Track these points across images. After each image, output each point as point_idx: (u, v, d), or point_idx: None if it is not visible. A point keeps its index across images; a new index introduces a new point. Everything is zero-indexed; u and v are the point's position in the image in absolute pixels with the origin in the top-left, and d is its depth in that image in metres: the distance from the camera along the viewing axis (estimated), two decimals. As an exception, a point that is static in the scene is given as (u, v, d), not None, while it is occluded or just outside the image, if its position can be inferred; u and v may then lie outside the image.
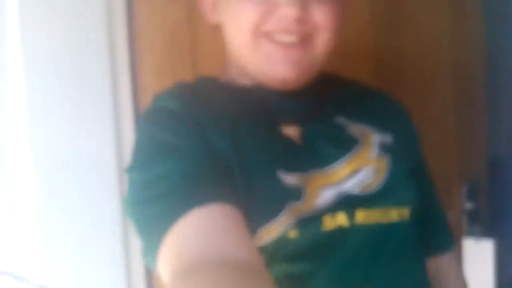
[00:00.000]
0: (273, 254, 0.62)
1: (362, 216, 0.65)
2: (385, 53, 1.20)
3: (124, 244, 0.90)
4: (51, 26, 0.80)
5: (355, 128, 0.73)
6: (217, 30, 0.76)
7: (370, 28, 1.17)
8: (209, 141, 0.65)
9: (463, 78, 1.43)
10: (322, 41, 0.69)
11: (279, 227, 0.61)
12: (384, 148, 0.71)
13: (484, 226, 1.44)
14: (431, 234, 0.81)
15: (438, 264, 0.82)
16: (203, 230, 0.53)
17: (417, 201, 0.71)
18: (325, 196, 0.65)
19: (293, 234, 0.62)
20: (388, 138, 0.74)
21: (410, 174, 0.72)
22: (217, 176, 0.61)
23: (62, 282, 0.83)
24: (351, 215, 0.64)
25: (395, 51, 1.23)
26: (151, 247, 0.58)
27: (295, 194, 0.64)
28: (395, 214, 0.67)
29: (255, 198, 0.62)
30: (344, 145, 0.70)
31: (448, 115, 1.41)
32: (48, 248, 0.82)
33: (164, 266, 0.55)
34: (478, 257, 1.40)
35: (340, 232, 0.64)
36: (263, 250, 0.61)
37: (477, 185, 1.48)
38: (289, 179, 0.65)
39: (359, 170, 0.68)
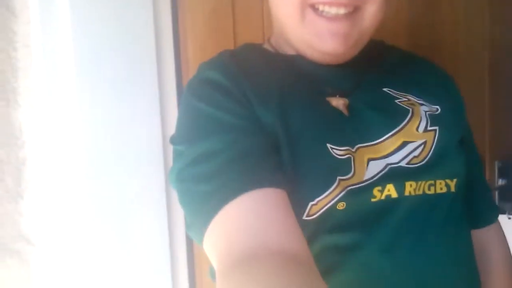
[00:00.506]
0: (322, 225, 0.61)
1: (411, 187, 0.64)
2: (421, 29, 1.20)
3: (167, 214, 0.93)
4: (99, 11, 0.82)
5: (402, 99, 0.71)
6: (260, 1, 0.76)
7: (406, 3, 1.17)
8: (257, 115, 0.63)
9: (498, 55, 1.42)
10: (370, 13, 0.67)
11: (329, 200, 0.61)
12: (432, 119, 0.70)
13: (516, 203, 1.44)
14: (477, 206, 0.80)
15: (483, 235, 0.81)
16: (252, 218, 0.53)
17: (464, 173, 0.70)
18: (373, 169, 0.64)
19: (342, 206, 0.61)
20: (435, 109, 0.72)
21: (458, 144, 0.71)
22: (266, 154, 0.60)
23: (106, 253, 0.86)
24: (400, 186, 0.64)
25: (430, 26, 1.23)
26: (197, 224, 0.58)
27: (345, 166, 0.63)
28: (443, 185, 0.66)
29: (305, 171, 0.61)
30: (392, 116, 0.68)
31: (483, 92, 1.40)
32: (93, 219, 0.85)
33: (212, 250, 0.55)
34: (509, 233, 1.40)
35: (389, 202, 0.63)
36: (312, 221, 0.61)
37: (509, 163, 1.47)
38: (339, 151, 0.63)
39: (406, 144, 0.67)
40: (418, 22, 1.18)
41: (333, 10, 0.65)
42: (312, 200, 0.60)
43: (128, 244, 0.89)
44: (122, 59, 0.84)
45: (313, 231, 0.61)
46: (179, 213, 0.95)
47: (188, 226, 0.62)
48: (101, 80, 0.82)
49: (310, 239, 0.60)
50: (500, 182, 1.44)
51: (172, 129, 0.78)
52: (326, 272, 0.60)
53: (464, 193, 0.71)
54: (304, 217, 0.60)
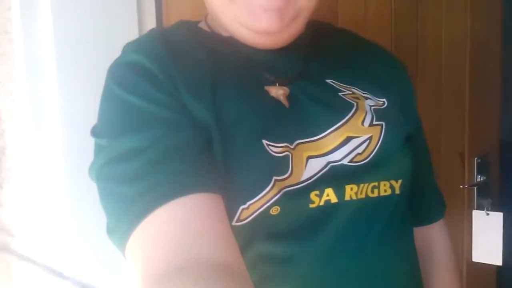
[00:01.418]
0: (254, 232, 0.55)
1: (351, 191, 0.59)
2: (404, 22, 1.21)
3: None
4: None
5: (346, 92, 0.65)
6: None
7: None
8: (187, 107, 0.55)
9: (479, 53, 1.44)
10: None
11: (262, 203, 0.54)
12: (378, 114, 0.64)
13: (494, 199, 1.46)
14: (423, 203, 0.77)
15: (427, 232, 0.79)
16: (180, 228, 0.46)
17: (411, 172, 0.65)
18: (312, 168, 0.58)
19: (276, 210, 0.54)
20: (382, 102, 0.66)
21: (405, 141, 0.66)
22: (198, 151, 0.53)
23: (86, 243, 0.85)
24: (340, 190, 0.58)
25: (413, 20, 1.24)
26: (118, 229, 0.51)
27: (282, 165, 0.56)
28: (387, 187, 0.61)
29: (237, 170, 0.54)
30: (335, 110, 0.62)
31: (464, 88, 1.42)
32: (73, 210, 0.84)
33: (134, 262, 0.49)
34: (487, 228, 1.43)
35: (328, 208, 0.57)
36: (243, 227, 0.54)
37: (488, 159, 1.49)
38: (276, 148, 0.56)
39: (350, 139, 0.61)
40: (401, 16, 1.20)
41: None
42: (244, 204, 0.53)
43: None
44: (104, 47, 0.83)
45: (244, 239, 0.54)
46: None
47: (109, 230, 0.54)
48: (82, 68, 0.81)
49: (242, 248, 0.51)
50: (479, 178, 1.46)
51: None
52: (260, 284, 0.56)
53: (409, 191, 0.66)
54: (234, 223, 0.53)
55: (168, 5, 0.91)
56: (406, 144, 0.66)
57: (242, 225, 0.53)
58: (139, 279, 0.46)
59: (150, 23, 0.90)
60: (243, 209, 0.53)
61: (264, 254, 0.56)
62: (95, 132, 0.59)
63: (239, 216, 0.53)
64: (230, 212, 0.52)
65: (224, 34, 0.65)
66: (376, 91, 0.67)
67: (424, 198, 0.77)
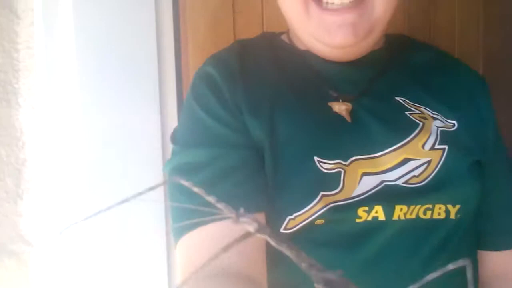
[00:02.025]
0: (300, 239, 0.58)
1: (401, 211, 0.59)
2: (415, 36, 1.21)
3: (165, 216, 0.94)
4: (101, 12, 0.82)
5: (415, 111, 0.65)
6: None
7: (401, 11, 1.18)
8: (246, 125, 0.60)
9: (492, 64, 1.43)
10: (380, 1, 0.61)
11: (308, 215, 0.57)
12: (444, 137, 0.63)
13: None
14: (498, 228, 0.72)
15: (502, 259, 0.73)
16: (216, 243, 0.53)
17: (475, 199, 0.63)
18: (366, 184, 0.59)
19: (320, 222, 0.58)
20: (452, 124, 0.65)
21: (473, 167, 0.64)
22: (250, 172, 0.58)
23: (104, 255, 0.86)
24: (389, 209, 0.59)
25: (425, 35, 1.24)
26: (175, 229, 0.59)
27: (332, 181, 0.59)
28: (442, 211, 0.61)
29: (287, 185, 0.59)
30: (398, 129, 0.62)
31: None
32: (91, 221, 0.85)
33: (180, 258, 0.58)
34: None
35: (375, 224, 0.58)
36: (290, 234, 0.58)
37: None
38: (327, 165, 0.59)
39: (407, 161, 0.61)
40: (413, 29, 1.20)
41: (337, 1, 0.60)
42: (290, 215, 0.57)
43: (127, 246, 0.89)
44: (124, 62, 0.85)
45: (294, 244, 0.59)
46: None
47: (171, 226, 0.63)
48: (103, 82, 0.83)
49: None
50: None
51: (170, 130, 0.79)
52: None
53: (472, 217, 0.65)
54: (282, 230, 0.58)
55: (186, 6, 0.93)
56: (474, 170, 0.63)
57: (289, 233, 0.57)
58: (180, 273, 0.57)
59: (168, 43, 0.91)
60: (290, 219, 0.57)
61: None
62: (173, 137, 0.67)
63: (286, 225, 0.57)
64: (279, 220, 0.57)
65: (301, 47, 0.69)
66: (447, 113, 0.66)
67: (499, 223, 0.72)
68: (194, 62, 0.93)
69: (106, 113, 0.84)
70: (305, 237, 0.58)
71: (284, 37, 0.73)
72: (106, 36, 0.83)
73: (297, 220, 0.57)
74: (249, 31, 0.94)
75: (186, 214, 0.59)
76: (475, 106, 0.69)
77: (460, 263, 0.33)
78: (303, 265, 0.28)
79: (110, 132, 0.86)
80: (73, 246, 0.87)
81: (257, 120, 0.61)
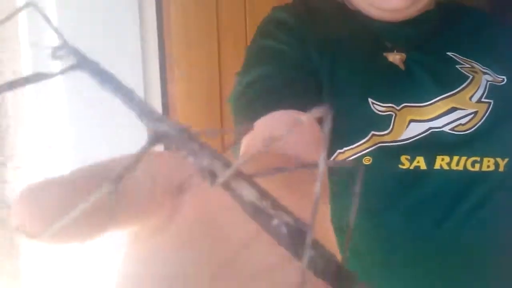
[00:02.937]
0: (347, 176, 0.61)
1: (443, 162, 0.61)
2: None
3: None
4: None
5: (466, 65, 0.68)
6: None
7: None
8: (309, 54, 0.64)
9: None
10: None
11: (357, 151, 0.61)
12: (491, 91, 0.65)
13: None
14: None
15: None
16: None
17: None
18: (413, 130, 0.62)
19: (368, 160, 0.61)
20: (501, 79, 0.67)
21: None
22: (307, 87, 0.60)
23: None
24: (431, 160, 0.61)
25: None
26: (232, 110, 0.63)
27: (383, 122, 0.62)
28: (491, 163, 0.62)
29: (341, 120, 0.60)
30: (447, 81, 0.65)
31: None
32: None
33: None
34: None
35: (417, 173, 0.61)
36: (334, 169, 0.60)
37: None
38: (380, 107, 0.63)
39: (455, 110, 0.64)
40: None
41: None
42: (340, 148, 0.61)
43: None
44: (108, 39, 0.86)
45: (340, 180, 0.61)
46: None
47: (229, 100, 0.66)
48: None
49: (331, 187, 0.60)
50: None
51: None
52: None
53: None
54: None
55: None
56: None
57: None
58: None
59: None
60: (340, 152, 0.61)
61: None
62: (236, 73, 0.67)
63: (335, 158, 0.61)
64: (328, 152, 0.54)
65: (352, 8, 0.73)
66: (499, 67, 0.68)
67: None
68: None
69: (90, 81, 0.84)
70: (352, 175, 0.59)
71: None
72: (88, 16, 0.84)
73: (346, 154, 0.61)
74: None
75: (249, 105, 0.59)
76: None
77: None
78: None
79: (95, 98, 0.86)
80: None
81: (320, 55, 0.64)
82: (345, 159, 0.60)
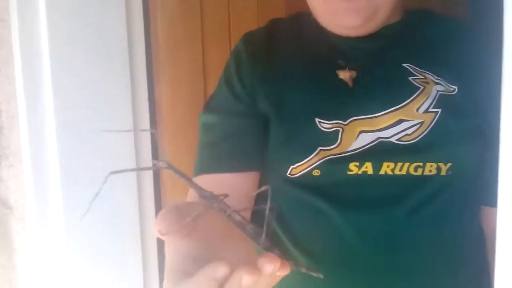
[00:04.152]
0: (302, 185, 0.69)
1: (388, 168, 0.66)
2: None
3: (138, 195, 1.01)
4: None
5: (419, 76, 0.70)
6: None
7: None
8: (254, 97, 0.72)
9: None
10: None
11: (307, 166, 0.67)
12: (440, 101, 0.68)
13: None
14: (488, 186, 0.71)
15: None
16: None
17: (468, 159, 0.67)
18: (364, 139, 0.67)
19: (317, 172, 0.67)
20: (452, 89, 0.70)
21: (469, 130, 0.68)
22: (246, 136, 0.72)
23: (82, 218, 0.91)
24: (377, 166, 0.66)
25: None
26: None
27: (330, 138, 0.67)
28: (433, 168, 0.66)
29: (290, 140, 0.69)
30: (397, 94, 0.69)
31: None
32: (69, 186, 0.91)
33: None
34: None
35: (365, 177, 0.66)
36: (295, 179, 0.68)
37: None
38: (327, 125, 0.68)
39: (401, 121, 0.68)
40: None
41: None
42: (293, 164, 0.68)
43: (102, 215, 0.95)
44: (96, 34, 0.89)
45: (296, 188, 0.69)
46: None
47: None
48: (75, 53, 0.87)
49: (294, 194, 0.70)
50: None
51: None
52: (298, 224, 0.71)
53: (472, 176, 0.69)
54: (288, 175, 0.69)
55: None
56: (470, 132, 0.67)
57: (293, 178, 0.68)
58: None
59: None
60: (292, 168, 0.68)
61: (307, 203, 0.69)
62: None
63: (290, 172, 0.68)
64: (285, 168, 0.69)
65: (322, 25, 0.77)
66: (452, 78, 0.70)
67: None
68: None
69: (80, 80, 0.89)
70: (306, 185, 0.68)
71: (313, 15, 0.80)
72: (77, 10, 0.87)
73: (298, 169, 0.68)
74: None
75: (197, 161, 0.75)
76: (486, 73, 0.68)
77: (263, 188, 0.46)
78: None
79: (82, 98, 0.90)
80: (51, 210, 0.91)
81: (268, 90, 0.72)
82: (297, 173, 0.68)
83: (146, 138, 1.04)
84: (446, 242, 0.69)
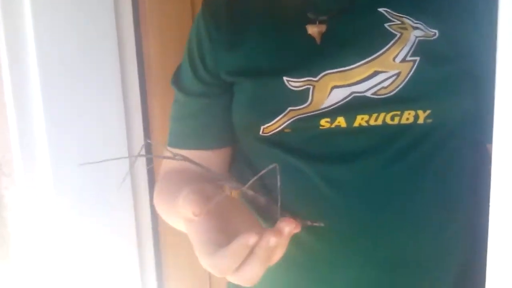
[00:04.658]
0: (275, 143, 0.68)
1: (362, 120, 0.64)
2: None
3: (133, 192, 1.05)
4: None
5: (396, 22, 0.66)
6: None
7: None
8: (220, 66, 0.71)
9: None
10: None
11: (277, 126, 0.67)
12: (418, 48, 0.64)
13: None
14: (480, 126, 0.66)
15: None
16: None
17: (450, 105, 0.64)
18: (337, 95, 0.65)
19: (288, 130, 0.67)
20: (432, 33, 0.65)
21: (452, 76, 0.65)
22: (214, 116, 0.74)
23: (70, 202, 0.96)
24: (350, 119, 0.64)
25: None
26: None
27: (300, 97, 0.65)
28: (410, 116, 0.63)
29: (260, 101, 0.69)
30: (371, 43, 0.65)
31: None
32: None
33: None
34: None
35: (337, 131, 0.65)
36: (268, 138, 0.68)
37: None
38: (296, 84, 0.66)
39: (377, 74, 0.64)
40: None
41: None
42: (263, 124, 0.68)
43: (91, 169, 0.97)
44: (82, 33, 0.95)
45: (269, 147, 0.69)
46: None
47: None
48: (62, 52, 0.94)
49: (268, 152, 0.70)
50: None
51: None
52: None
53: (455, 123, 0.66)
54: (261, 134, 0.69)
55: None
56: (451, 79, 0.64)
57: (266, 136, 0.69)
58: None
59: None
60: (263, 128, 0.68)
61: (282, 160, 0.67)
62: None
63: (263, 131, 0.68)
64: (256, 127, 0.69)
65: None
66: (431, 21, 0.66)
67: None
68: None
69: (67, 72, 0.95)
70: (279, 142, 0.68)
71: None
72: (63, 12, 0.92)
73: (269, 128, 0.68)
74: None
75: (171, 133, 0.78)
76: (469, 14, 0.66)
77: (270, 167, 0.51)
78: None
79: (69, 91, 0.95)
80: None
81: (234, 55, 0.70)
82: (269, 132, 0.68)
83: (133, 86, 1.07)
84: (429, 195, 0.67)
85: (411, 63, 0.64)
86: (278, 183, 0.50)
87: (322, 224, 0.55)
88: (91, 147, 0.99)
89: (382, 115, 0.64)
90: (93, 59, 0.98)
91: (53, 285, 1.01)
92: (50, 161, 0.96)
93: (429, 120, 0.64)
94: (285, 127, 0.67)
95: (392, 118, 0.64)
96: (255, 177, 0.50)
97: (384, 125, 0.64)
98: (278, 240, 0.46)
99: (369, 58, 0.64)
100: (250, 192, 0.54)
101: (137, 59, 1.07)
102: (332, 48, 0.66)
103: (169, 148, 0.77)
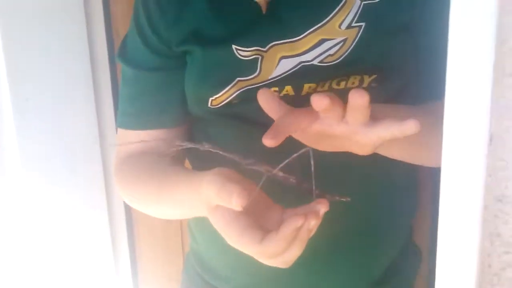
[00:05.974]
0: (225, 115, 0.68)
1: (309, 89, 0.64)
2: None
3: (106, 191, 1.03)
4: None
5: None
6: None
7: None
8: (170, 44, 0.69)
9: None
10: None
11: (226, 97, 0.66)
12: (364, 13, 0.65)
13: None
14: (423, 81, 0.70)
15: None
16: (140, 146, 0.72)
17: (394, 70, 0.66)
18: (285, 65, 0.65)
19: (237, 100, 0.66)
20: None
21: (396, 39, 0.66)
22: (162, 92, 0.72)
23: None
24: (298, 88, 0.65)
25: None
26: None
27: (249, 67, 0.65)
28: (356, 80, 0.64)
29: (209, 71, 0.68)
30: (317, 11, 0.65)
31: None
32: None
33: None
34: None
35: (286, 99, 0.63)
36: (217, 109, 0.68)
37: None
38: (245, 53, 0.66)
39: (324, 41, 0.65)
40: None
41: None
42: (212, 96, 0.67)
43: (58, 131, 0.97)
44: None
45: (219, 118, 0.69)
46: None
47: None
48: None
49: (218, 124, 0.70)
50: None
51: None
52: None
53: (400, 87, 0.67)
54: (209, 106, 0.68)
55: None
56: (396, 41, 0.65)
57: (215, 108, 0.68)
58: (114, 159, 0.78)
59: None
60: (212, 99, 0.68)
61: (234, 132, 0.69)
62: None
63: (211, 103, 0.68)
64: (205, 99, 0.68)
65: None
66: None
67: (425, 76, 0.69)
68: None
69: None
70: (228, 114, 0.68)
71: None
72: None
73: (218, 100, 0.67)
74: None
75: (120, 113, 0.76)
76: None
77: (302, 150, 0.49)
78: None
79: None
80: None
81: (185, 21, 0.68)
82: (218, 104, 0.68)
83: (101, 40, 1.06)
84: (377, 156, 0.65)
85: (357, 29, 0.65)
86: (312, 167, 0.49)
87: (349, 199, 0.54)
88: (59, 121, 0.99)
89: (328, 82, 0.65)
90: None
91: (23, 262, 1.01)
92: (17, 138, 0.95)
93: (374, 85, 0.65)
94: (233, 99, 0.66)
95: (338, 83, 0.65)
96: (287, 160, 0.49)
97: (331, 91, 0.64)
98: (317, 221, 0.47)
99: (315, 27, 0.65)
100: (281, 174, 0.52)
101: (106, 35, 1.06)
102: (278, 17, 0.66)
103: (120, 130, 0.75)
